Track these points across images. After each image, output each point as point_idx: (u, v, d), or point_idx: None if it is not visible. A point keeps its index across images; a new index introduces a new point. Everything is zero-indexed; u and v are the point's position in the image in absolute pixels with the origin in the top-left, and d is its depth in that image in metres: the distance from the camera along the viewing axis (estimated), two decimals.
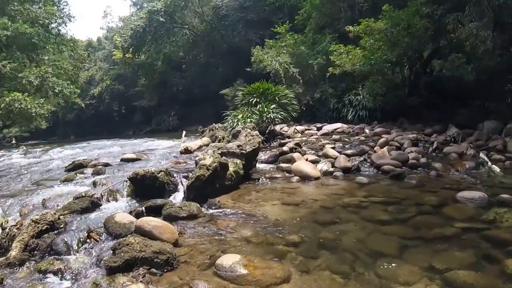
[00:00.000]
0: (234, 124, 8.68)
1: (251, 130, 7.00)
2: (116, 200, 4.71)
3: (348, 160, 6.69)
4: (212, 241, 3.36)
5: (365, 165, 6.61)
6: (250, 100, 10.01)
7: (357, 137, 9.31)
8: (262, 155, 7.55)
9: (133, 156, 7.86)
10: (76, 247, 3.31)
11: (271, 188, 5.49)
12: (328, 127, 10.98)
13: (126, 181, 4.83)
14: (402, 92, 10.90)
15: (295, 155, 7.01)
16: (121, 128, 31.09)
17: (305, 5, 16.80)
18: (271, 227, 3.70)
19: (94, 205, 4.42)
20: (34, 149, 13.42)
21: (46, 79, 15.85)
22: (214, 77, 23.33)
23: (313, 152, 7.67)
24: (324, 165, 6.58)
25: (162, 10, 21.97)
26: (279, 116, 9.37)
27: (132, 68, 27.91)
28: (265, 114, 9.11)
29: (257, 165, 7.03)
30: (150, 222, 3.33)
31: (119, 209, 4.37)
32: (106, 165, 7.05)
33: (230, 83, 18.16)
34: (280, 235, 3.45)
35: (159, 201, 4.22)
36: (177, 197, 4.73)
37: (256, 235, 3.46)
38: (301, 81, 14.10)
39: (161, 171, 4.77)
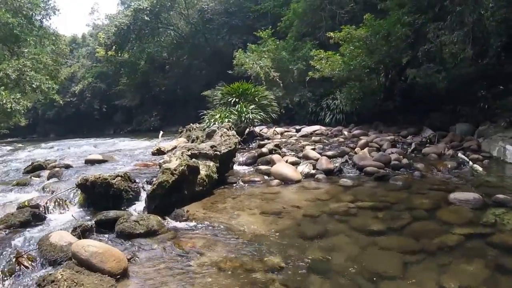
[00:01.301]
0: (211, 124, 7.77)
1: (228, 130, 6.11)
2: (65, 210, 3.74)
3: (330, 162, 5.98)
4: (173, 268, 2.49)
5: (348, 167, 5.96)
6: (229, 100, 9.13)
7: (336, 139, 8.75)
8: (240, 157, 6.69)
9: (99, 157, 6.83)
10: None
11: (249, 193, 4.63)
12: (307, 129, 10.49)
13: (76, 189, 3.85)
14: (378, 97, 10.81)
15: (275, 156, 6.19)
16: (102, 127, 29.40)
17: (288, 13, 16.48)
18: (248, 245, 2.86)
19: (37, 217, 3.48)
20: (5, 147, 12.08)
21: (24, 73, 14.40)
22: (197, 79, 22.39)
23: (293, 153, 6.91)
24: (305, 167, 5.79)
25: (148, 9, 20.90)
26: (258, 117, 8.54)
27: (114, 66, 26.40)
28: (243, 114, 8.26)
29: (235, 167, 6.19)
30: (88, 247, 2.39)
31: (67, 222, 3.44)
32: (67, 167, 6.02)
33: (212, 86, 17.43)
34: (260, 257, 2.63)
35: (111, 213, 3.28)
36: (138, 207, 3.79)
37: (230, 259, 2.61)
38: (281, 85, 13.69)
39: (118, 176, 3.82)
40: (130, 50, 24.31)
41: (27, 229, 3.26)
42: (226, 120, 7.99)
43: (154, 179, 3.97)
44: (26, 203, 3.73)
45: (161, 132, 12.76)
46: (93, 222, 3.24)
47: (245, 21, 21.27)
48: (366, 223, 3.32)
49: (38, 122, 32.96)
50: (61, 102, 19.31)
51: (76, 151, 9.75)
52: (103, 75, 28.85)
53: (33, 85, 14.83)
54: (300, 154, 6.67)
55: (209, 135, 5.98)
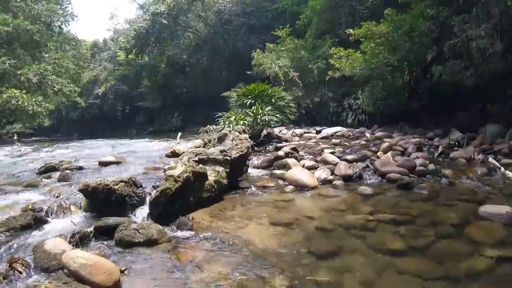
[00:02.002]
0: (226, 126, 7.61)
1: (240, 133, 5.91)
2: (68, 215, 3.65)
3: (349, 167, 5.63)
4: (168, 284, 2.31)
5: (368, 173, 5.57)
6: (245, 102, 8.96)
7: (357, 141, 8.36)
8: (255, 160, 6.50)
9: (112, 159, 6.80)
10: None
11: (261, 200, 4.40)
12: (327, 131, 10.19)
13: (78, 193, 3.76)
14: (402, 97, 10.19)
15: (290, 161, 5.94)
16: (125, 128, 30.05)
17: (306, 11, 16.15)
18: (252, 261, 2.63)
19: (38, 221, 3.41)
20: (28, 146, 12.44)
21: (45, 77, 14.91)
22: (217, 80, 22.39)
23: (311, 157, 6.61)
24: (322, 173, 5.50)
25: (166, 12, 21.17)
26: (274, 119, 8.31)
27: (135, 69, 27.00)
28: (259, 116, 8.05)
29: (249, 170, 5.99)
30: (77, 259, 2.27)
31: (69, 227, 3.34)
32: (80, 168, 6.03)
33: (232, 86, 17.33)
34: (264, 277, 2.40)
35: (111, 220, 3.16)
36: (142, 213, 3.65)
37: (230, 277, 2.40)
38: (301, 84, 13.39)
39: (121, 181, 3.69)
40: (150, 53, 24.67)
41: (28, 233, 3.20)
42: (241, 122, 7.81)
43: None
44: (29, 206, 3.68)
45: (179, 134, 12.73)
46: (93, 228, 3.12)
47: (263, 21, 21.13)
48: (385, 240, 3.01)
49: (62, 123, 34.14)
50: (83, 104, 19.90)
51: (93, 152, 9.83)
52: (125, 78, 29.53)
53: (55, 88, 15.31)
54: (318, 158, 6.37)
55: (221, 139, 5.80)
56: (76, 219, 3.51)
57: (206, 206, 3.99)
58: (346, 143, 8.00)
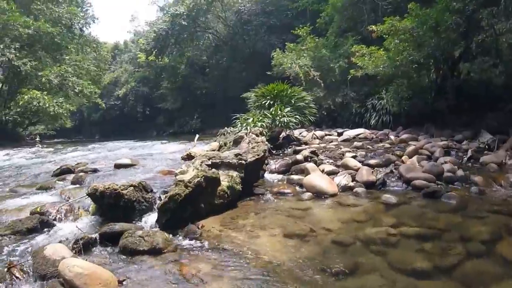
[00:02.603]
0: (243, 128, 7.50)
1: (257, 135, 5.76)
2: (76, 219, 3.62)
3: (372, 172, 5.36)
4: None
5: (392, 179, 5.25)
6: (263, 102, 8.81)
7: (381, 144, 8.01)
8: (272, 164, 6.32)
9: (128, 161, 6.82)
10: None
11: (276, 208, 4.23)
12: (349, 133, 9.89)
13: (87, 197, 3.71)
14: (428, 96, 9.75)
15: (309, 165, 5.71)
16: (145, 129, 30.67)
17: (326, 8, 15.90)
18: (260, 277, 2.44)
19: (45, 225, 3.38)
20: (49, 148, 12.78)
21: (66, 79, 15.37)
22: (237, 81, 22.51)
23: (331, 161, 6.34)
24: (342, 179, 5.24)
25: (185, 13, 21.50)
26: (294, 120, 8.11)
27: (155, 71, 27.49)
28: (278, 118, 7.88)
29: (266, 175, 5.83)
30: (73, 267, 2.19)
31: (75, 232, 3.30)
32: (94, 171, 6.05)
33: (252, 87, 17.33)
34: None
35: (117, 226, 3.08)
36: (151, 219, 3.55)
37: None
38: (322, 84, 13.16)
39: (131, 186, 3.62)
40: (170, 55, 25.06)
41: (33, 237, 3.18)
42: (259, 124, 7.67)
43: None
44: (38, 209, 3.67)
45: (197, 136, 12.70)
46: (98, 234, 3.05)
47: (283, 20, 21.09)
48: (408, 258, 2.75)
49: (84, 124, 35.26)
50: (103, 105, 20.38)
51: (111, 154, 9.96)
52: (145, 79, 30.16)
53: (75, 90, 15.74)
54: (339, 162, 6.10)
55: (236, 142, 5.66)
56: (83, 224, 3.46)
57: (218, 213, 3.86)
58: (369, 146, 7.68)
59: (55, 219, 3.57)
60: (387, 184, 5.11)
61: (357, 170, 5.47)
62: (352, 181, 5.18)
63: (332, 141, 9.15)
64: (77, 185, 5.03)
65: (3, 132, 15.63)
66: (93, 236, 3.04)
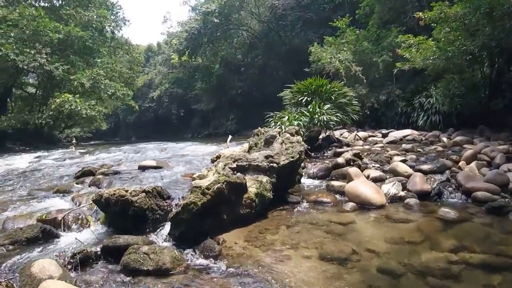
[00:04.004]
0: (277, 127, 6.99)
1: (292, 135, 5.21)
2: (83, 228, 3.30)
3: (426, 181, 4.63)
4: None
5: (449, 188, 4.52)
6: (300, 99, 8.24)
7: (433, 147, 7.21)
8: (311, 168, 5.75)
9: (153, 163, 6.60)
10: None
11: (312, 220, 3.65)
12: (395, 134, 9.30)
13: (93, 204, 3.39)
14: (481, 94, 9.09)
15: (352, 170, 5.06)
16: (180, 131, 31.22)
17: None
18: None
19: (47, 234, 3.10)
20: (82, 149, 13.06)
21: (98, 82, 15.77)
22: (273, 79, 22.24)
23: (377, 166, 5.68)
24: (391, 187, 4.55)
25: (217, 11, 21.44)
26: (334, 118, 7.46)
27: (189, 71, 27.81)
28: (317, 116, 7.28)
29: (303, 180, 5.29)
30: None
31: (84, 240, 3.00)
32: (116, 173, 5.84)
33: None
34: None
35: (121, 239, 2.69)
36: (164, 232, 3.14)
37: None
38: (365, 81, 12.49)
39: (143, 191, 3.23)
40: (203, 54, 25.17)
41: (32, 248, 2.91)
42: (296, 122, 7.13)
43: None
44: (43, 216, 3.41)
45: (230, 137, 12.41)
46: (99, 248, 2.70)
47: (320, 14, 20.55)
48: None
49: (120, 126, 36.60)
50: (137, 107, 20.81)
51: (140, 155, 9.90)
52: (179, 81, 30.65)
53: (108, 92, 16.11)
54: (386, 167, 5.47)
55: (268, 142, 5.14)
56: (87, 235, 3.14)
57: (244, 225, 3.38)
58: (419, 149, 6.91)
59: (61, 228, 3.28)
60: (444, 195, 4.41)
61: (408, 177, 4.82)
62: (403, 190, 4.52)
63: (376, 143, 8.48)
64: (94, 189, 4.79)
65: (39, 135, 16.39)
66: (94, 250, 2.69)
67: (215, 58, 25.93)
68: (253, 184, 3.65)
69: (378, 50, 12.99)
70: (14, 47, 13.36)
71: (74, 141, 19.90)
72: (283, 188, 4.33)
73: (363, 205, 4.08)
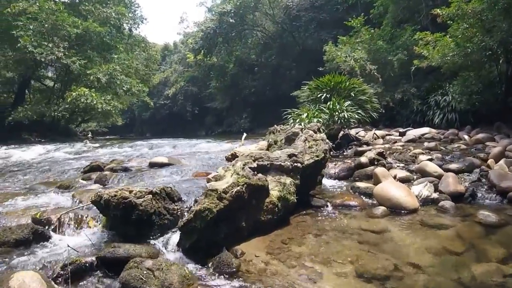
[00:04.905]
0: (296, 124, 6.44)
1: (315, 132, 4.63)
2: (81, 231, 2.80)
3: (459, 181, 4.07)
4: None
5: (482, 189, 3.99)
6: (319, 96, 7.66)
7: (456, 145, 6.66)
8: (331, 168, 5.17)
9: (164, 160, 6.08)
10: None
11: (341, 227, 3.09)
12: (413, 132, 8.80)
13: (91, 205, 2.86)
14: (498, 91, 8.79)
15: (379, 170, 4.45)
16: (194, 129, 30.95)
17: None
18: None
19: (38, 236, 2.62)
20: (95, 144, 12.72)
21: (114, 77, 15.47)
22: (286, 79, 21.81)
23: (401, 165, 5.11)
24: (423, 189, 3.96)
25: (232, 11, 21.32)
26: (356, 116, 6.87)
27: (204, 70, 27.57)
28: (337, 113, 6.69)
29: (324, 181, 4.69)
30: None
31: (80, 246, 2.49)
32: (125, 169, 5.36)
33: (302, 85, 16.55)
34: None
35: (121, 249, 2.19)
36: (173, 239, 2.59)
37: None
38: (380, 79, 12.09)
39: (150, 193, 2.70)
40: (218, 54, 24.94)
41: (20, 252, 2.46)
42: (315, 120, 6.56)
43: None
44: (37, 215, 2.93)
45: (244, 135, 11.90)
46: (95, 259, 2.18)
47: (333, 15, 20.20)
48: None
49: (135, 122, 36.50)
50: (152, 104, 20.62)
51: (153, 151, 9.45)
52: (194, 79, 30.40)
53: (124, 88, 15.83)
54: (412, 167, 4.90)
55: (289, 139, 4.57)
56: (85, 239, 2.62)
57: (264, 233, 2.83)
58: (442, 148, 6.33)
59: (56, 229, 2.79)
60: (477, 196, 3.87)
61: (438, 177, 4.26)
62: (435, 191, 3.95)
63: (395, 142, 7.89)
64: (99, 185, 4.30)
65: (55, 127, 16.22)
66: (90, 260, 2.17)
67: (230, 58, 25.67)
68: (275, 187, 3.09)
69: (393, 49, 12.67)
70: (33, 39, 13.18)
71: (89, 135, 19.69)
72: (306, 190, 3.76)
73: (395, 209, 3.51)
